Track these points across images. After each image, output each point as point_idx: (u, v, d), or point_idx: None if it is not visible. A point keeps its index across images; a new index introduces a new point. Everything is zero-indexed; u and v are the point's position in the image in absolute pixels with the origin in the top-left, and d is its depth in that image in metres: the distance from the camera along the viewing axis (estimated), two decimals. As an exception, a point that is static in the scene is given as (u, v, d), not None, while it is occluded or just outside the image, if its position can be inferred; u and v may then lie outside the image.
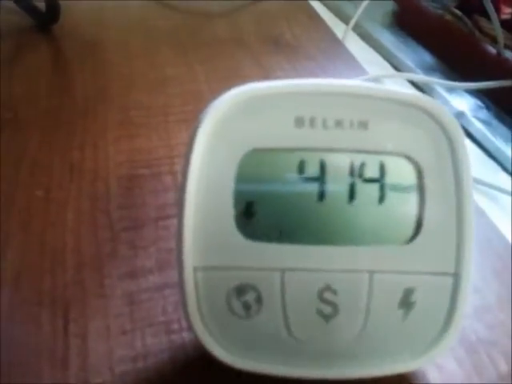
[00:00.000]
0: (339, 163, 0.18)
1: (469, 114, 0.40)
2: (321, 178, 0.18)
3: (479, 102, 0.42)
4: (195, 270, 0.17)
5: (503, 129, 0.39)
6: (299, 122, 0.18)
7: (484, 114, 0.40)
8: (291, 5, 0.52)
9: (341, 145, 0.18)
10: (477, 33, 0.49)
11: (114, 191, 0.27)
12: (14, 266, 0.22)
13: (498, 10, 0.48)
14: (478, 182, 0.33)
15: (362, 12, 0.50)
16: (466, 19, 0.51)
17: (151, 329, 0.20)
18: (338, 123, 0.18)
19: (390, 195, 0.18)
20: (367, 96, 0.18)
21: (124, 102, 0.34)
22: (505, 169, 0.35)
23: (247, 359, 0.18)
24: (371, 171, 0.18)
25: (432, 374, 0.20)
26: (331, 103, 0.18)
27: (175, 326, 0.20)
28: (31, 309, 0.21)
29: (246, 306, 0.18)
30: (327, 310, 0.18)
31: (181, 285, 0.17)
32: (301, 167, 0.18)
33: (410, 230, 0.18)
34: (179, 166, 0.29)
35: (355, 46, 0.48)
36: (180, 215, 0.17)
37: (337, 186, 0.18)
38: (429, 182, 0.18)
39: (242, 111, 0.18)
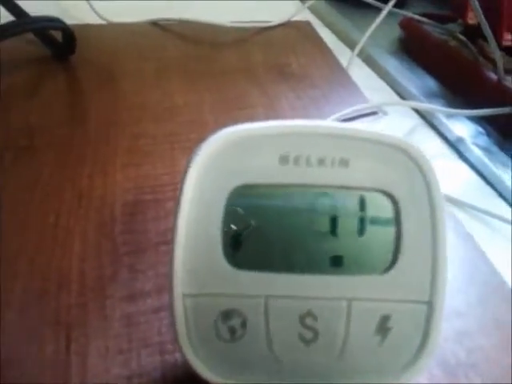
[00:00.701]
0: (322, 198, 0.19)
1: (468, 140, 0.41)
2: (304, 211, 0.19)
3: (480, 128, 0.43)
4: (184, 296, 0.19)
5: (502, 155, 0.40)
6: (284, 160, 0.19)
7: (484, 140, 0.41)
8: (298, 32, 0.54)
9: (323, 181, 0.19)
10: (480, 58, 0.50)
11: (119, 217, 0.28)
12: (21, 290, 0.24)
13: (500, 37, 0.49)
14: (473, 208, 0.34)
15: (367, 37, 0.52)
16: (470, 45, 0.52)
17: (146, 349, 0.22)
18: (321, 161, 0.19)
19: (370, 228, 0.19)
20: (348, 136, 0.19)
21: (134, 130, 0.36)
22: (501, 195, 0.36)
23: (233, 379, 0.19)
24: (352, 206, 0.19)
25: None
26: (314, 143, 0.19)
27: (169, 347, 0.22)
28: (36, 329, 0.22)
29: (232, 330, 0.19)
30: (308, 334, 0.19)
31: (171, 310, 0.19)
32: (285, 202, 0.19)
33: (387, 261, 0.19)
34: (182, 193, 0.30)
35: (360, 72, 0.50)
36: (172, 244, 0.19)
37: (319, 220, 0.19)
38: (405, 216, 0.19)
39: (231, 149, 0.19)
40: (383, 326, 0.19)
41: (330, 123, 0.21)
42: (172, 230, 0.19)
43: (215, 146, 0.19)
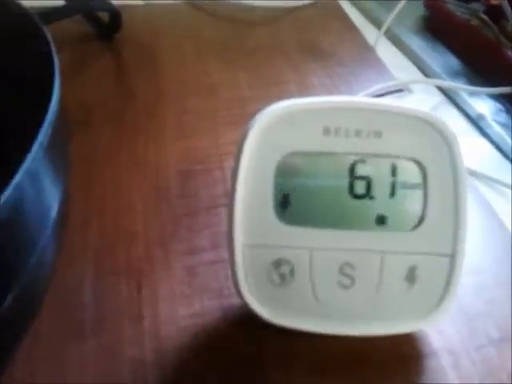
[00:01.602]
0: (359, 165, 0.23)
1: (489, 117, 0.43)
2: (344, 176, 0.22)
3: (500, 106, 0.45)
4: (243, 246, 0.22)
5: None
6: (326, 131, 0.22)
7: (503, 116, 0.44)
8: (326, 12, 0.56)
9: (360, 150, 0.22)
10: (502, 38, 0.52)
11: (173, 183, 0.32)
12: (94, 245, 0.28)
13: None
14: (492, 180, 0.37)
15: (393, 16, 0.54)
16: (491, 24, 0.54)
17: (207, 294, 0.25)
18: (358, 133, 0.22)
19: (400, 191, 0.22)
20: (381, 111, 0.22)
21: (178, 105, 0.39)
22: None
23: (283, 317, 0.23)
24: (384, 171, 0.23)
25: (433, 337, 0.25)
26: (352, 116, 0.22)
27: (226, 292, 0.26)
28: (110, 278, 0.26)
29: (282, 277, 0.23)
30: (346, 281, 0.23)
31: (231, 258, 0.22)
32: (327, 167, 0.22)
33: (415, 219, 0.23)
34: (226, 163, 0.34)
35: (386, 50, 0.52)
36: (231, 203, 0.22)
37: (357, 183, 0.22)
38: (431, 181, 0.22)
39: (281, 122, 0.22)
40: (411, 275, 0.23)
41: (365, 99, 0.24)
42: (230, 190, 0.22)
43: (267, 120, 0.22)
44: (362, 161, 0.22)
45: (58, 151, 0.21)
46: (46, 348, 0.23)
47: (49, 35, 0.24)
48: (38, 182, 0.18)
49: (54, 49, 0.23)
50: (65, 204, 0.24)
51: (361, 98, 0.23)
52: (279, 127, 0.22)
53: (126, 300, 0.25)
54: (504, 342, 0.25)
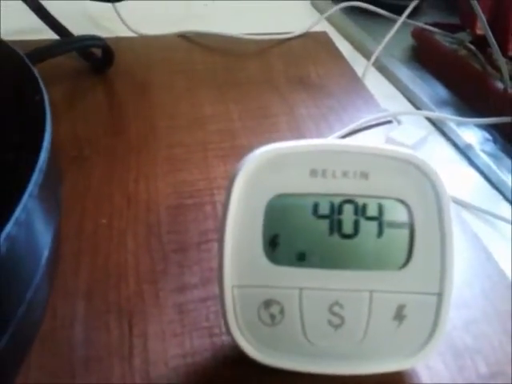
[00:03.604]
0: (346, 205, 0.23)
1: (476, 146, 0.44)
2: (331, 216, 0.23)
3: (487, 135, 0.46)
4: (233, 287, 0.22)
5: (508, 161, 0.43)
6: (313, 173, 0.23)
7: (491, 146, 0.45)
8: (316, 43, 0.57)
9: (347, 191, 0.23)
10: (488, 68, 0.53)
11: (163, 219, 0.32)
12: (86, 283, 0.28)
13: (506, 46, 0.52)
14: (480, 210, 0.37)
15: (382, 47, 0.55)
16: (479, 54, 0.55)
17: (197, 332, 0.26)
18: (345, 174, 0.23)
19: (387, 230, 0.23)
20: (367, 153, 0.23)
21: (170, 139, 0.39)
22: (506, 198, 0.39)
23: (273, 357, 0.23)
24: (371, 211, 0.23)
25: (422, 373, 0.25)
26: (338, 158, 0.23)
27: (216, 331, 0.26)
28: (102, 316, 0.26)
29: (272, 316, 0.23)
30: (336, 320, 0.23)
31: (221, 299, 0.23)
32: (315, 208, 0.23)
33: (402, 258, 0.23)
34: (217, 197, 0.34)
35: (375, 81, 0.53)
36: (221, 246, 0.22)
37: (344, 223, 0.23)
38: (417, 220, 0.23)
39: (268, 165, 0.23)
40: (399, 314, 0.23)
41: (350, 142, 0.24)
42: (219, 232, 0.22)
43: (255, 163, 0.23)
44: (350, 201, 0.23)
45: (49, 196, 0.21)
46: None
47: (41, 81, 0.24)
48: (29, 229, 0.19)
49: (46, 98, 0.23)
50: (56, 245, 0.24)
51: (347, 141, 0.23)
52: (267, 170, 0.23)
53: (117, 339, 0.25)
54: (493, 378, 0.25)
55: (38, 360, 0.24)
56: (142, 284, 0.28)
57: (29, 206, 0.18)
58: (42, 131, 0.22)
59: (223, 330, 0.23)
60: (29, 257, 0.19)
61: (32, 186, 0.19)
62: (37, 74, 0.26)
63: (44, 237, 0.21)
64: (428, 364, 0.25)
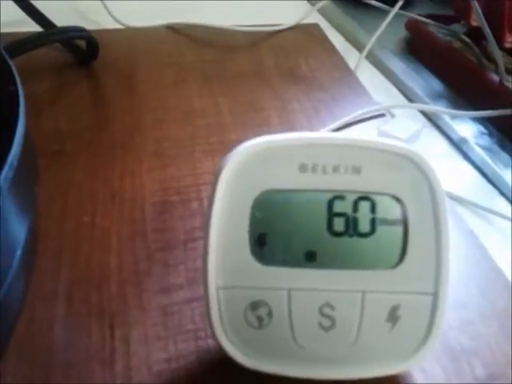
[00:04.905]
0: (337, 201, 0.22)
1: (471, 140, 0.43)
2: (322, 213, 0.22)
3: (482, 129, 0.45)
4: (218, 288, 0.21)
5: (504, 155, 0.42)
6: (303, 168, 0.22)
7: (486, 140, 0.44)
8: (307, 35, 0.56)
9: (338, 186, 0.22)
10: (484, 60, 0.52)
11: (149, 216, 0.31)
12: (66, 283, 0.27)
13: (502, 38, 0.51)
14: (475, 205, 0.36)
15: (375, 39, 0.54)
16: (473, 46, 0.54)
17: (182, 336, 0.24)
18: (335, 169, 0.22)
19: (380, 228, 0.22)
20: (359, 146, 0.22)
21: (156, 134, 0.38)
22: (502, 193, 0.38)
23: (260, 361, 0.22)
24: (364, 208, 0.22)
25: (418, 375, 0.24)
26: (329, 152, 0.22)
27: (202, 334, 0.25)
28: (82, 319, 0.25)
29: (260, 319, 0.22)
30: (326, 322, 0.22)
31: (206, 301, 0.21)
32: (305, 204, 0.22)
33: (396, 257, 0.22)
34: (204, 193, 0.33)
35: (367, 73, 0.52)
36: (205, 245, 0.21)
37: (335, 220, 0.22)
38: (412, 217, 0.22)
39: (255, 159, 0.21)
40: (393, 315, 0.22)
41: (342, 135, 0.23)
42: (204, 230, 0.21)
43: (241, 157, 0.22)
44: (341, 197, 0.22)
45: (22, 192, 0.20)
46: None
47: (16, 72, 0.23)
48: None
49: (20, 89, 0.22)
50: (32, 242, 0.23)
51: (338, 134, 0.22)
52: (254, 164, 0.22)
53: (98, 343, 0.24)
54: (491, 380, 0.24)
55: (13, 364, 0.23)
56: (124, 285, 0.27)
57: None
58: (14, 124, 0.21)
59: (209, 333, 0.22)
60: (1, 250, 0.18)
61: (1, 182, 0.18)
62: (12, 65, 0.25)
63: (16, 235, 0.20)
64: (423, 367, 0.24)
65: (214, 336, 0.22)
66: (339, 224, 0.22)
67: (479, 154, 0.41)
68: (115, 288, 0.26)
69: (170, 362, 0.23)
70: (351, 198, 0.22)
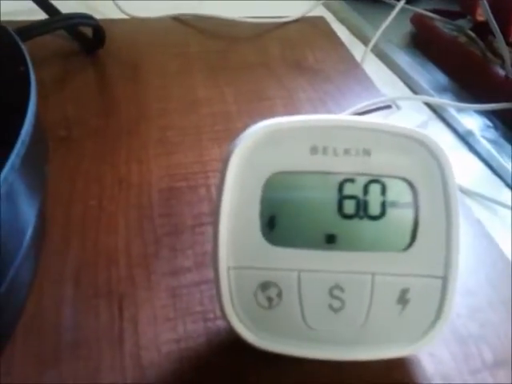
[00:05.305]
0: (348, 184, 0.22)
1: (477, 133, 0.43)
2: (332, 195, 0.22)
3: (488, 122, 0.45)
4: (228, 269, 0.21)
5: (509, 147, 0.42)
6: (314, 150, 0.22)
7: (491, 133, 0.44)
8: (313, 27, 0.56)
9: (348, 169, 0.22)
10: (489, 54, 0.52)
11: (156, 201, 0.31)
12: (74, 265, 0.27)
13: (508, 33, 0.51)
14: (481, 196, 0.36)
15: (380, 33, 0.54)
16: (479, 41, 0.54)
17: (191, 317, 0.25)
18: (346, 151, 0.22)
19: (390, 211, 0.22)
20: (370, 129, 0.22)
21: (162, 122, 0.38)
22: (508, 185, 0.39)
23: (270, 342, 0.22)
24: (374, 190, 0.22)
25: (426, 361, 0.24)
26: (340, 135, 0.22)
27: (211, 315, 0.25)
28: (90, 300, 0.25)
29: (269, 299, 0.22)
30: (336, 304, 0.22)
31: (216, 281, 0.21)
32: (315, 187, 0.22)
33: (406, 240, 0.22)
34: (212, 180, 0.33)
35: (373, 66, 0.52)
36: (216, 226, 0.21)
37: (346, 203, 0.22)
38: (422, 200, 0.22)
39: (266, 141, 0.21)
40: (403, 298, 0.22)
41: (353, 117, 0.23)
42: (215, 211, 0.21)
43: (252, 139, 0.21)
44: (351, 180, 0.22)
45: (33, 171, 0.20)
46: (21, 373, 0.22)
47: (26, 53, 0.23)
48: (11, 203, 0.17)
49: (31, 69, 0.22)
50: (41, 224, 0.23)
51: (349, 117, 0.22)
52: (265, 146, 0.21)
53: (106, 323, 0.24)
54: (499, 366, 0.24)
55: (23, 345, 0.23)
56: (132, 267, 0.27)
57: (10, 178, 0.17)
58: (26, 103, 0.21)
59: (218, 314, 0.22)
60: (11, 233, 0.18)
61: (14, 158, 0.18)
62: (23, 47, 0.25)
63: (27, 213, 0.20)
64: (432, 351, 0.24)
65: (224, 316, 0.22)
66: (350, 206, 0.22)
67: (485, 146, 0.41)
68: (123, 270, 0.26)
69: (179, 343, 0.23)
70: (362, 180, 0.22)
